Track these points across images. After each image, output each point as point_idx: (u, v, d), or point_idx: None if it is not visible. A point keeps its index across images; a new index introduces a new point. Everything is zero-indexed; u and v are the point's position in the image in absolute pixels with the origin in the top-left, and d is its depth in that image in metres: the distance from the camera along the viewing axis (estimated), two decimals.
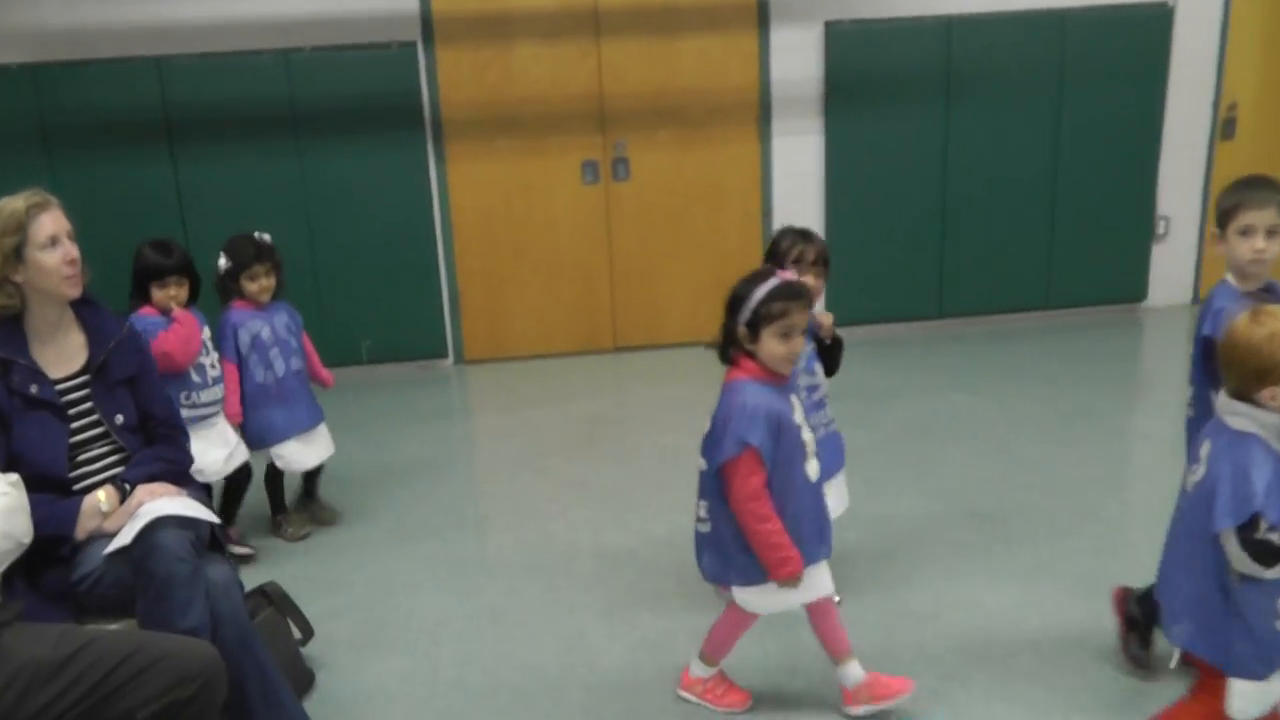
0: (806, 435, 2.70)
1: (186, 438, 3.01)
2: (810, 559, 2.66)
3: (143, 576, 2.49)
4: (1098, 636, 3.17)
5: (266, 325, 4.09)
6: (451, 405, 6.30)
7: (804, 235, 3.25)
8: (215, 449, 3.93)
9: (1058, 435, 4.92)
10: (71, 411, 2.72)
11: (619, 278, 6.91)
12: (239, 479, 4.14)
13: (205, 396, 3.91)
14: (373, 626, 3.54)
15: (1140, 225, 7.17)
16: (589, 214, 6.81)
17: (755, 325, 2.59)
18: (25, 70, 6.26)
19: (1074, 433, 4.95)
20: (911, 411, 5.43)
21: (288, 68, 6.28)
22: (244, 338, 4.05)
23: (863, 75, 6.63)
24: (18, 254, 2.62)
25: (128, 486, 2.71)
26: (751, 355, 2.63)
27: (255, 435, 4.12)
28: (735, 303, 2.64)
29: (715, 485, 2.67)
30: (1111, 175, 7.01)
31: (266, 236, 4.08)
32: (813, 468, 2.71)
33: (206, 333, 3.95)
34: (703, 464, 2.70)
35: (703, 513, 2.74)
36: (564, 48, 6.54)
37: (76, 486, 2.69)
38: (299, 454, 4.20)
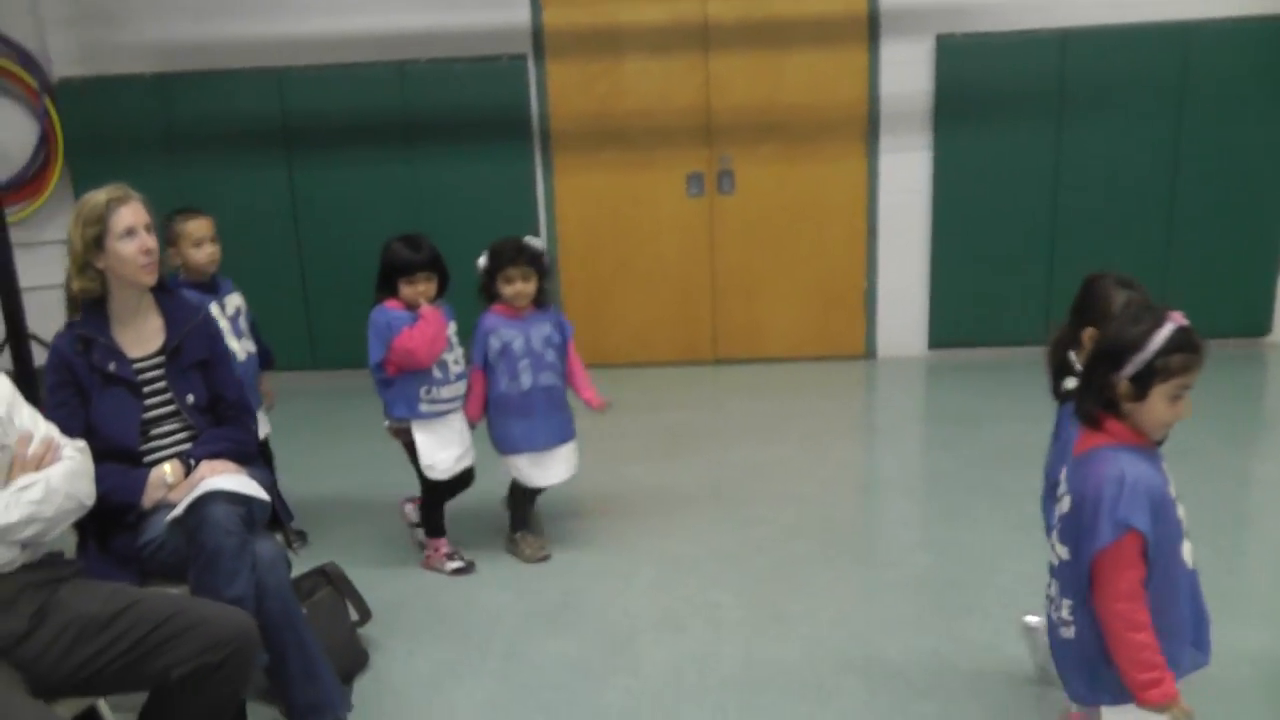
0: (1181, 511, 2.24)
1: (254, 419, 3.15)
2: (1184, 669, 2.23)
3: (194, 546, 2.63)
4: None
5: (521, 336, 3.87)
6: None
7: (1128, 285, 2.70)
8: (449, 447, 3.83)
9: None
10: (146, 389, 2.88)
11: (720, 290, 6.91)
12: (459, 483, 3.96)
13: (446, 393, 3.81)
14: (433, 616, 3.63)
15: (1265, 254, 6.77)
16: (692, 227, 6.83)
17: (1146, 380, 2.11)
18: (156, 79, 6.64)
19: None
20: (1001, 438, 5.24)
21: (401, 79, 6.49)
22: (494, 345, 3.86)
23: (974, 90, 6.49)
24: (98, 243, 2.79)
25: (192, 462, 2.85)
26: (1121, 416, 2.18)
27: (493, 440, 4.00)
28: (1119, 350, 2.13)
29: (1082, 580, 2.19)
30: (1234, 199, 6.65)
31: (536, 241, 3.91)
32: (1188, 551, 2.24)
33: (453, 327, 3.85)
34: (1063, 552, 2.26)
35: (1065, 613, 2.25)
36: (672, 61, 6.58)
37: (147, 459, 2.85)
38: (529, 470, 3.98)
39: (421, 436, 3.78)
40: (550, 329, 3.94)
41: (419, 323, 3.67)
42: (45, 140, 6.76)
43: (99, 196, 2.82)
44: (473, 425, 3.94)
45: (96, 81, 6.70)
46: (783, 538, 4.17)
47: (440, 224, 6.62)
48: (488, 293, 3.91)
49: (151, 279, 2.88)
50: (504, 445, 3.96)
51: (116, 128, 6.71)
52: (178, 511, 2.67)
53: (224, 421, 3.02)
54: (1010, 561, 3.82)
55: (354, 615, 3.33)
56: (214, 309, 3.71)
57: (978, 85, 6.49)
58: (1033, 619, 3.00)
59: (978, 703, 2.95)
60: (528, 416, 3.90)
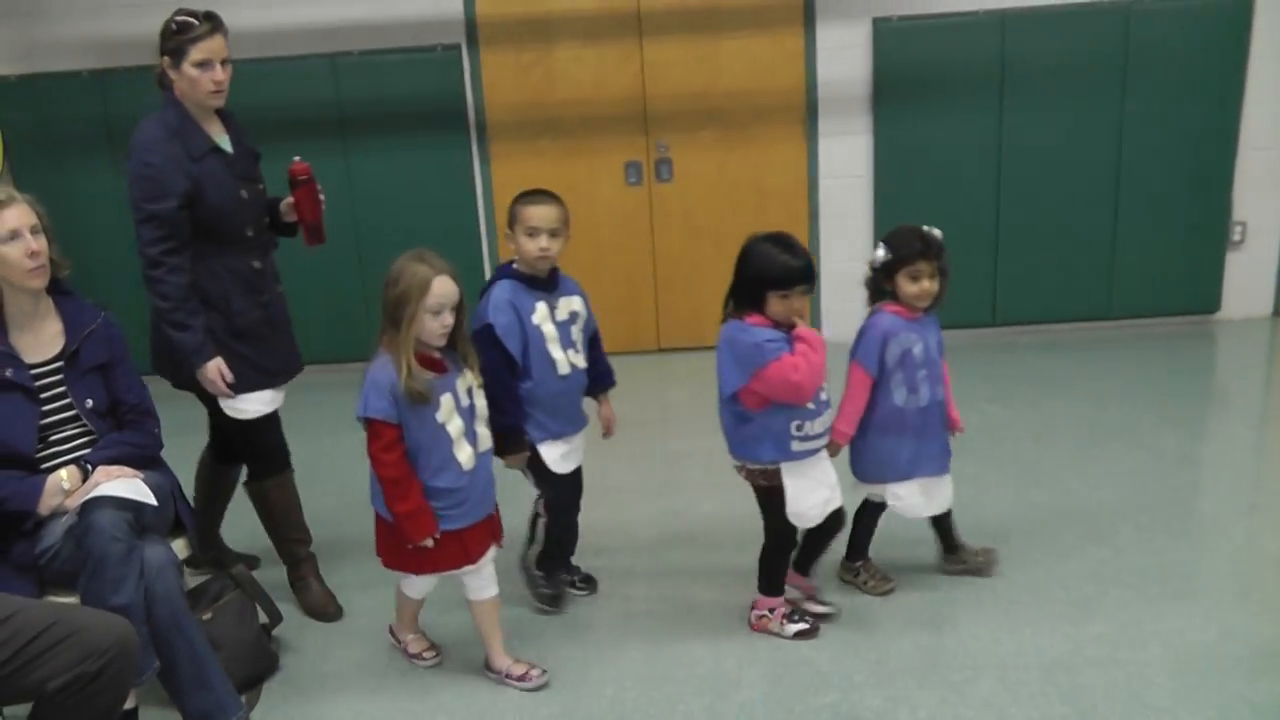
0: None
1: (157, 423, 3.12)
2: None
3: (81, 553, 2.61)
4: (1067, 658, 3.05)
5: (921, 341, 3.29)
6: None
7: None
8: (819, 490, 3.18)
9: (1088, 454, 4.67)
10: (44, 395, 2.84)
11: (662, 279, 6.90)
12: (831, 525, 3.32)
13: (818, 426, 3.13)
14: (348, 616, 3.61)
15: (1213, 231, 6.82)
16: (632, 215, 6.82)
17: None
18: (94, 76, 6.58)
19: (1107, 452, 4.68)
20: None
21: (334, 72, 6.44)
22: (894, 351, 3.26)
23: (912, 73, 6.48)
24: None
25: (90, 467, 2.82)
26: None
27: (870, 465, 3.40)
28: None
29: None
30: (1181, 178, 6.68)
31: (937, 231, 3.30)
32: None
33: None
34: None
35: None
36: (606, 49, 6.55)
37: (45, 466, 2.82)
38: (916, 500, 3.40)
39: (792, 481, 3.13)
40: (938, 334, 3.41)
41: (801, 348, 2.98)
42: None
43: None
44: (795, 450, 3.12)
45: (33, 79, 6.63)
46: (702, 528, 4.16)
47: (377, 217, 6.63)
48: (878, 288, 3.34)
49: (40, 282, 2.83)
50: (888, 473, 3.37)
51: (57, 126, 6.65)
52: (72, 518, 2.65)
53: (125, 426, 3.00)
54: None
55: (264, 618, 3.30)
56: (540, 309, 3.23)
57: (916, 68, 6.49)
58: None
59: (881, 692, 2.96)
60: (922, 436, 3.33)
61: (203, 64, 3.20)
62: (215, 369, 3.25)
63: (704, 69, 6.59)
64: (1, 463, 2.68)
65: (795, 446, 3.08)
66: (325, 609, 3.60)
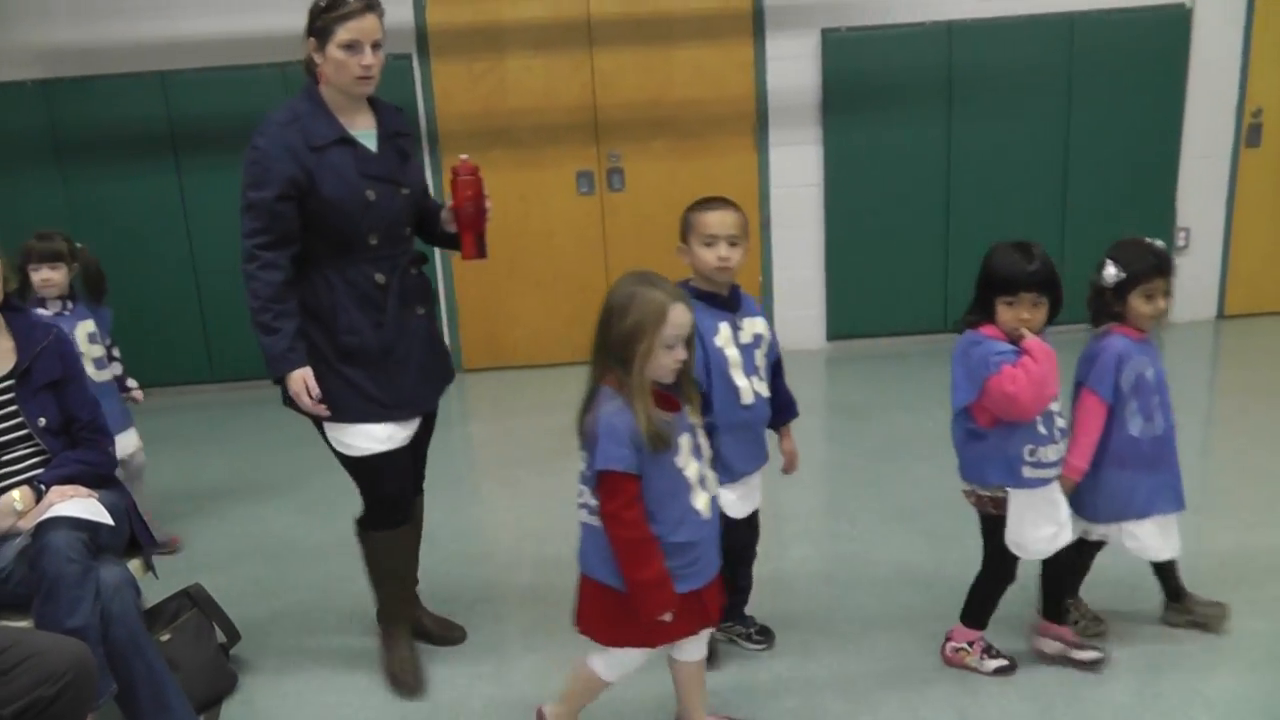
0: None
1: (110, 441, 3.07)
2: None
3: (35, 575, 2.56)
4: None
5: (1152, 365, 3.03)
6: (443, 414, 6.33)
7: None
8: (1045, 524, 2.93)
9: None
10: None
11: None
12: (1066, 560, 3.07)
13: (1051, 454, 2.89)
14: (305, 631, 3.58)
15: (1158, 237, 6.86)
16: (584, 224, 6.82)
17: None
18: (38, 86, 6.46)
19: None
20: (892, 428, 5.33)
21: (284, 81, 6.38)
22: (1128, 375, 2.99)
23: (861, 83, 6.56)
24: None
25: (43, 487, 2.77)
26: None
27: (1104, 502, 3.08)
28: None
29: None
30: (1126, 185, 6.82)
31: (1159, 243, 3.08)
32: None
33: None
34: None
35: None
36: (557, 59, 6.56)
37: None
38: (1153, 539, 3.10)
39: (1018, 509, 2.91)
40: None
41: (1023, 360, 2.78)
42: None
43: None
44: (1026, 476, 2.88)
45: None
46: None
47: None
48: (1102, 309, 3.08)
49: None
50: (1125, 510, 3.07)
51: (1, 137, 6.53)
52: (25, 540, 2.60)
53: (79, 444, 2.94)
54: (886, 553, 3.87)
55: (222, 637, 3.27)
56: (723, 331, 2.90)
57: (865, 78, 6.57)
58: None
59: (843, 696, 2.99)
60: (1157, 469, 3.05)
61: (350, 45, 2.84)
62: (300, 380, 2.88)
63: (655, 78, 6.62)
64: None
65: (1027, 473, 2.86)
66: (405, 679, 3.19)
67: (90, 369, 3.86)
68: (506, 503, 4.76)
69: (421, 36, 6.51)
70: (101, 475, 2.95)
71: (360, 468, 3.06)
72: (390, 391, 3.00)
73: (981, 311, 2.88)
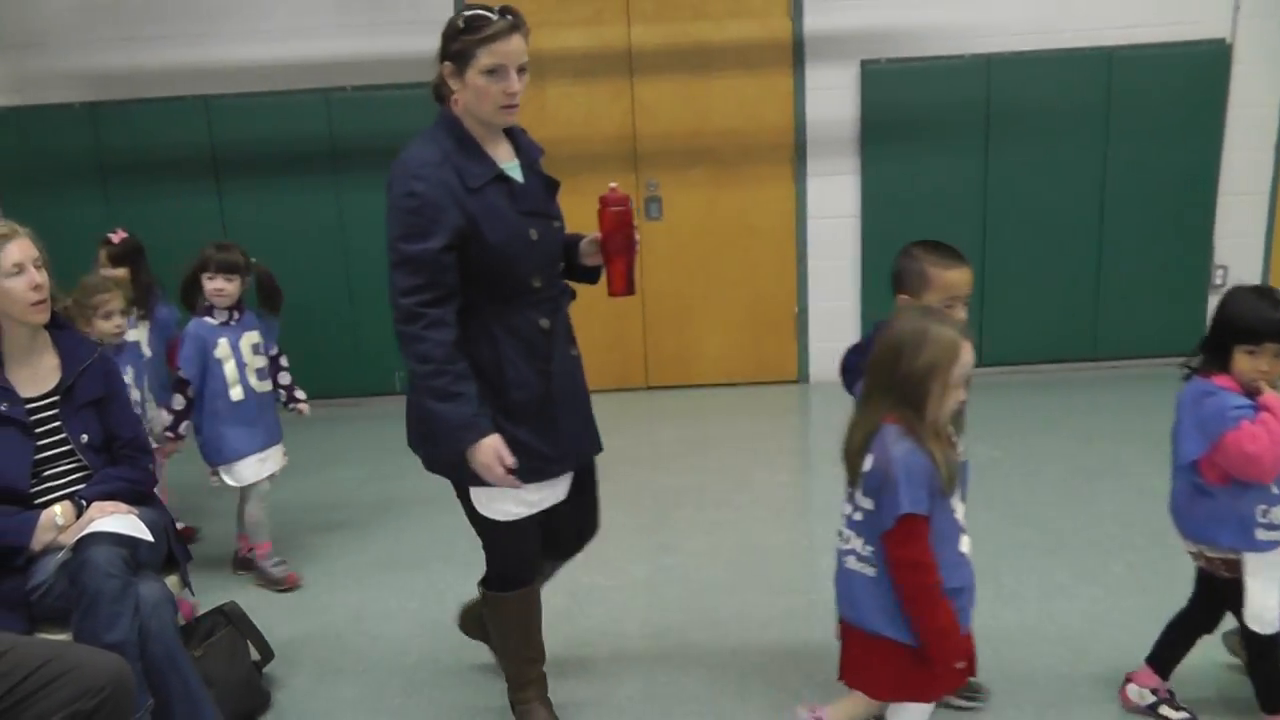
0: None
1: (150, 459, 3.11)
2: None
3: (75, 590, 2.59)
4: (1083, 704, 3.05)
5: None
6: None
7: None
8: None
9: (1076, 493, 4.72)
10: (39, 430, 2.84)
11: (651, 316, 6.92)
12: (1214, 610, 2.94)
13: None
14: (337, 652, 3.59)
15: (1195, 274, 6.89)
16: None
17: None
18: (86, 108, 6.59)
19: (1094, 490, 4.74)
20: None
21: (328, 107, 6.48)
22: None
23: (899, 115, 6.56)
24: None
25: (84, 503, 2.81)
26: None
27: None
28: None
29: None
30: (1163, 221, 6.76)
31: None
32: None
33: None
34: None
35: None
36: (597, 87, 6.61)
37: (39, 500, 2.80)
38: None
39: (1254, 576, 2.69)
40: None
41: (1263, 416, 2.57)
42: None
43: None
44: (1260, 539, 2.68)
45: (26, 111, 6.65)
46: (694, 565, 4.17)
47: (369, 253, 6.63)
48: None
49: (42, 317, 2.85)
50: None
51: (48, 157, 6.65)
52: (66, 554, 2.64)
53: (119, 461, 2.99)
54: None
55: (255, 655, 3.29)
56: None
57: (904, 110, 6.56)
58: None
59: None
60: None
61: (494, 71, 2.55)
62: (492, 449, 2.56)
63: (694, 108, 6.65)
64: None
65: (1260, 535, 2.64)
66: None
67: (252, 379, 3.99)
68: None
69: None
70: (141, 492, 3.00)
71: (502, 531, 2.79)
72: (553, 443, 2.75)
73: (1215, 360, 2.67)
